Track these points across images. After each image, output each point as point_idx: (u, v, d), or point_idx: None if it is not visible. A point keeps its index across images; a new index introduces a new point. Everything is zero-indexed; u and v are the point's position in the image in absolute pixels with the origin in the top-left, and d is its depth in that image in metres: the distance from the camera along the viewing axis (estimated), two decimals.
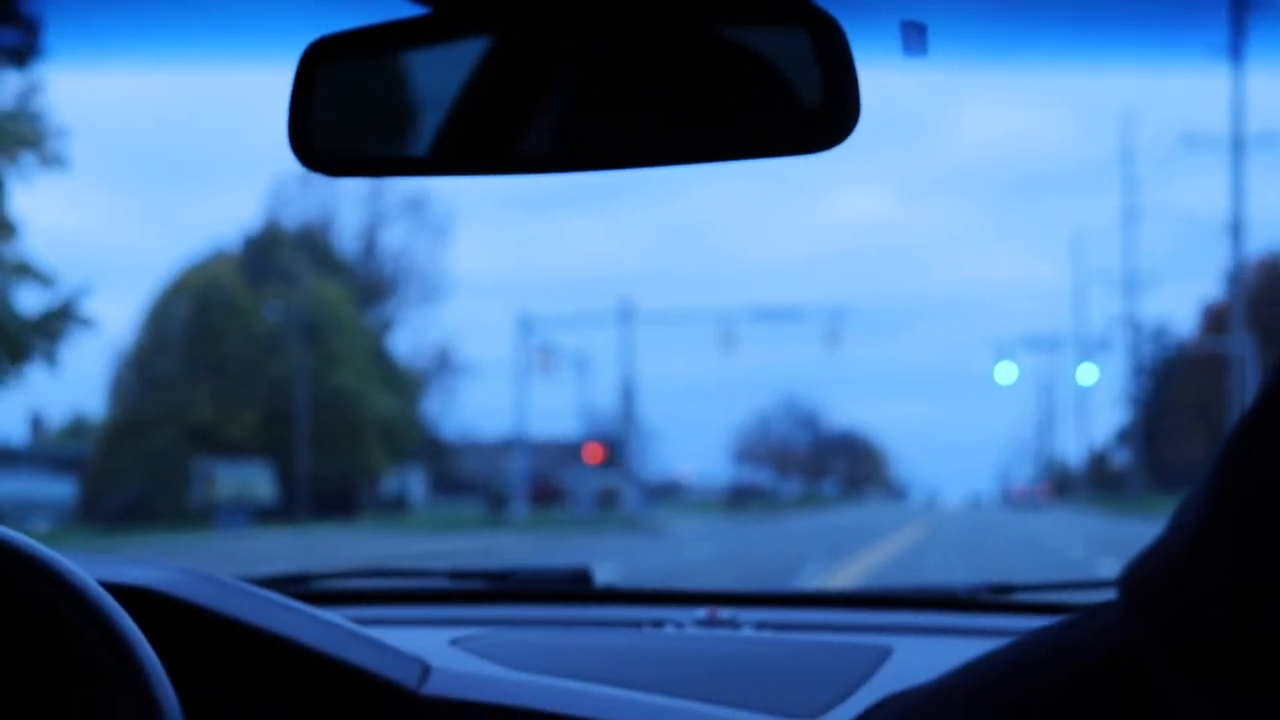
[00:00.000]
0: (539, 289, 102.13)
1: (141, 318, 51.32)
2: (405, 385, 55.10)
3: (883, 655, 1.85)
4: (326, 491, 49.44)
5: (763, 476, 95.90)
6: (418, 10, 1.23)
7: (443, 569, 2.42)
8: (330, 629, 1.60)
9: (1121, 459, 67.59)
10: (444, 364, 60.79)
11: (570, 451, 75.73)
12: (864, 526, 42.54)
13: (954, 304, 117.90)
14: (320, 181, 53.52)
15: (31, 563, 1.29)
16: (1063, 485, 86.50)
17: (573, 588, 2.34)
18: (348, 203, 58.63)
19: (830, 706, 1.68)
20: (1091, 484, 73.31)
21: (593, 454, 57.79)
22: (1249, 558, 0.68)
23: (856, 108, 1.14)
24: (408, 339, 65.68)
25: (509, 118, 1.23)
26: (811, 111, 1.16)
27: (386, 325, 58.57)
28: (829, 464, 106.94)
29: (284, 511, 47.09)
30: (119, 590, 1.36)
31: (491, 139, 1.24)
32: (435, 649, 1.74)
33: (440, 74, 1.25)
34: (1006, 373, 45.36)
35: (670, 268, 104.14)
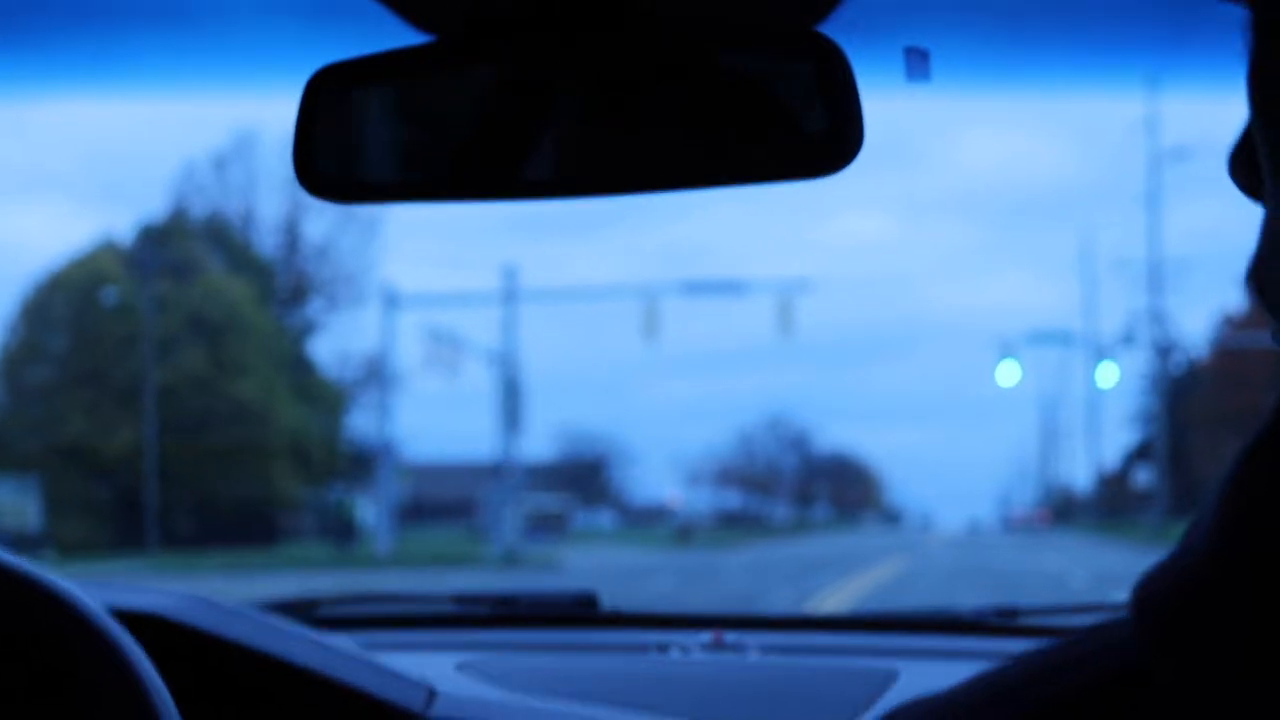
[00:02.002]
0: (541, 314, 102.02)
1: (9, 318, 44.46)
2: (327, 398, 48.59)
3: (888, 679, 1.85)
4: (221, 518, 42.19)
5: (746, 501, 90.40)
6: (422, 38, 1.24)
7: (448, 593, 2.42)
8: (336, 654, 1.60)
9: (1143, 479, 60.85)
10: (375, 375, 50.73)
11: (540, 475, 71.44)
12: (835, 558, 37.09)
13: (953, 328, 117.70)
14: (236, 165, 50.02)
15: (36, 589, 1.30)
16: (1066, 510, 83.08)
17: (578, 612, 2.34)
18: (267, 191, 51.05)
19: None
20: (1102, 508, 68.32)
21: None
22: (1262, 576, 0.68)
23: (860, 134, 1.14)
24: (334, 347, 59.00)
25: (514, 144, 1.23)
26: (815, 137, 1.17)
27: (307, 330, 51.62)
28: (819, 487, 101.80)
29: (54, 539, 38.01)
30: (125, 616, 1.36)
31: (496, 165, 1.24)
32: (441, 674, 1.74)
33: (445, 100, 1.25)
34: (1009, 373, 39.84)
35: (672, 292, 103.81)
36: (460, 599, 2.40)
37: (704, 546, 49.41)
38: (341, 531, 44.06)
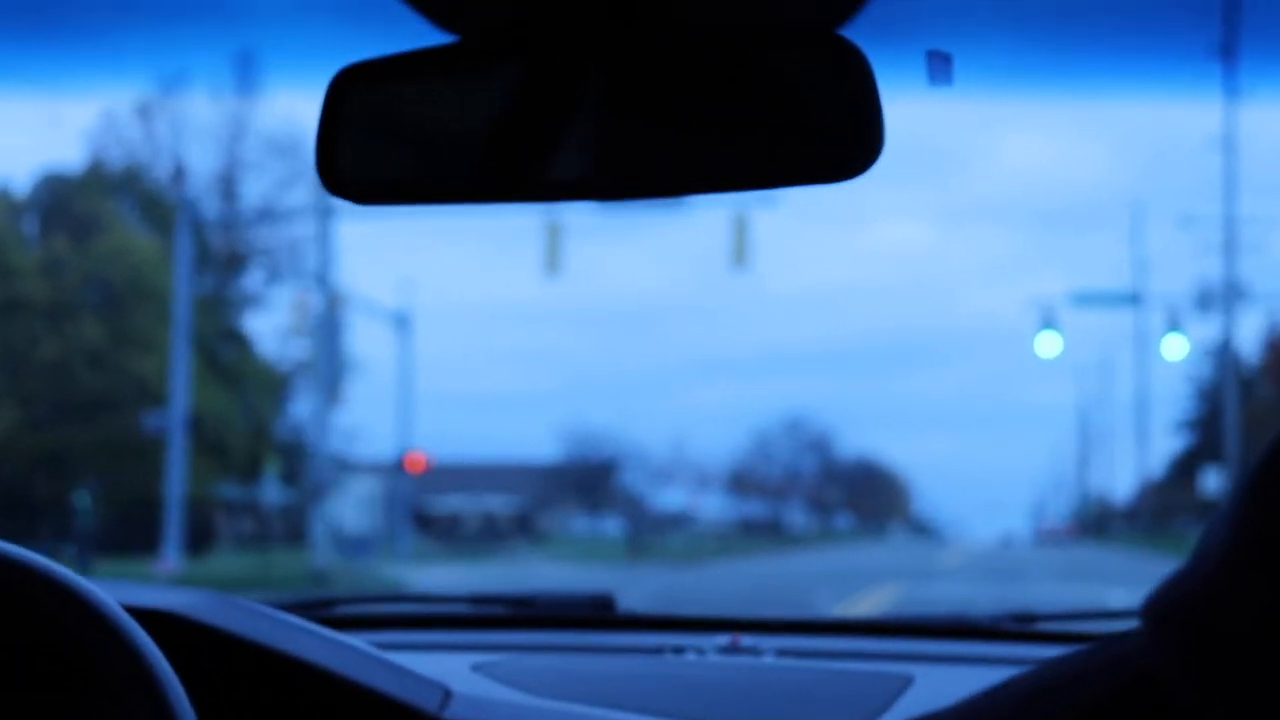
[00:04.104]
0: (570, 320, 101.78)
1: None
2: (263, 383, 41.17)
3: (904, 684, 1.85)
4: (131, 519, 33.89)
5: (760, 509, 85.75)
6: (446, 38, 1.24)
7: (464, 594, 2.43)
8: (352, 654, 1.60)
9: (1212, 484, 47.96)
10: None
11: (545, 477, 66.31)
12: (808, 582, 28.17)
13: (990, 335, 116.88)
14: (165, 115, 42.24)
15: (53, 585, 1.30)
16: (1102, 523, 77.65)
17: (595, 613, 2.34)
18: (201, 143, 43.08)
19: None
20: (1149, 518, 61.17)
21: (414, 464, 40.39)
22: (1274, 588, 0.68)
23: (881, 138, 1.14)
24: (279, 324, 44.36)
25: (538, 145, 1.23)
26: (836, 141, 1.17)
27: (243, 303, 43.52)
28: (841, 495, 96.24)
29: None
30: (141, 614, 1.36)
31: (520, 166, 1.24)
32: (457, 674, 1.74)
33: (470, 101, 1.26)
34: (1049, 344, 34.30)
35: (704, 299, 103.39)
36: (476, 599, 2.40)
37: (661, 562, 40.74)
38: (82, 540, 28.39)
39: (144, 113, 42.41)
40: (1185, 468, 58.09)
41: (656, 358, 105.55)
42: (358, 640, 1.66)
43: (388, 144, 1.28)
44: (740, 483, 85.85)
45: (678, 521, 71.10)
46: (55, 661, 1.37)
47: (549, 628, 2.30)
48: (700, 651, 2.07)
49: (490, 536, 49.65)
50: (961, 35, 1.26)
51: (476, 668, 1.86)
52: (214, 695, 1.49)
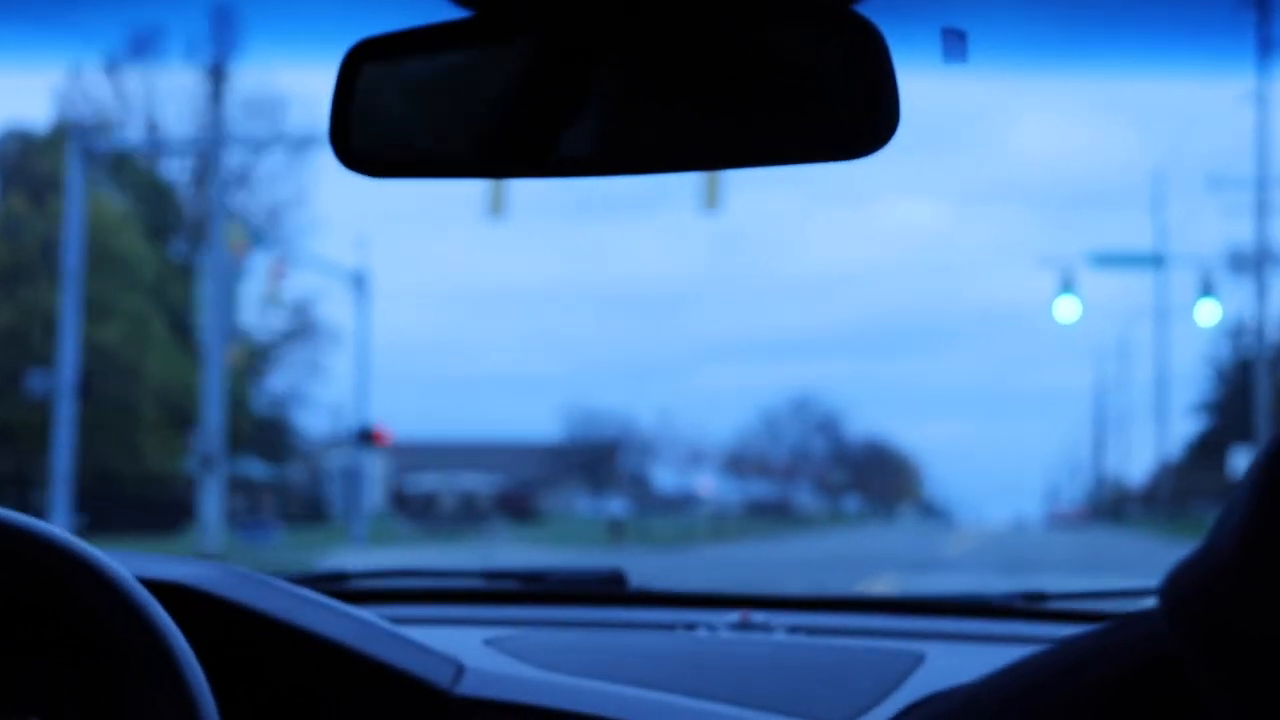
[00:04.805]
0: (583, 300, 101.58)
1: None
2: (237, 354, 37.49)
3: (915, 661, 1.85)
4: (106, 495, 32.37)
5: (768, 490, 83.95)
6: (461, 13, 1.24)
7: (477, 569, 2.43)
8: (366, 627, 1.61)
9: (1244, 466, 46.04)
10: (305, 329, 39.96)
11: (547, 457, 65.72)
12: (800, 568, 26.76)
13: (1006, 318, 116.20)
14: (139, 71, 39.89)
15: (69, 556, 1.31)
16: (1117, 507, 75.60)
17: (606, 589, 2.35)
18: (174, 104, 41.31)
19: (863, 712, 1.69)
20: (1168, 501, 59.02)
21: (381, 439, 37.92)
22: None
23: (896, 115, 1.14)
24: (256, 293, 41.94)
25: (550, 121, 1.24)
26: (850, 118, 1.17)
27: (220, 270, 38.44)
28: (849, 476, 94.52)
29: None
30: (157, 586, 1.37)
31: (533, 142, 1.24)
32: (469, 649, 1.75)
33: (483, 76, 1.26)
34: (1068, 309, 32.55)
35: (716, 279, 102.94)
36: (489, 575, 2.41)
37: (645, 546, 36.97)
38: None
39: (113, 71, 40.30)
40: (1204, 450, 56.81)
41: (666, 340, 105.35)
42: (372, 614, 1.66)
43: (401, 118, 1.28)
44: (746, 463, 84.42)
45: (684, 503, 69.51)
46: (71, 633, 1.37)
47: (561, 603, 2.31)
48: (712, 628, 2.07)
49: (468, 517, 47.11)
50: (977, 11, 1.26)
51: (489, 642, 1.87)
52: (228, 668, 1.50)
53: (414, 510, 48.72)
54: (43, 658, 1.40)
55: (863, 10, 1.15)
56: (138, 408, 34.28)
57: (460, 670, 1.63)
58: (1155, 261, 38.73)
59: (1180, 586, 0.73)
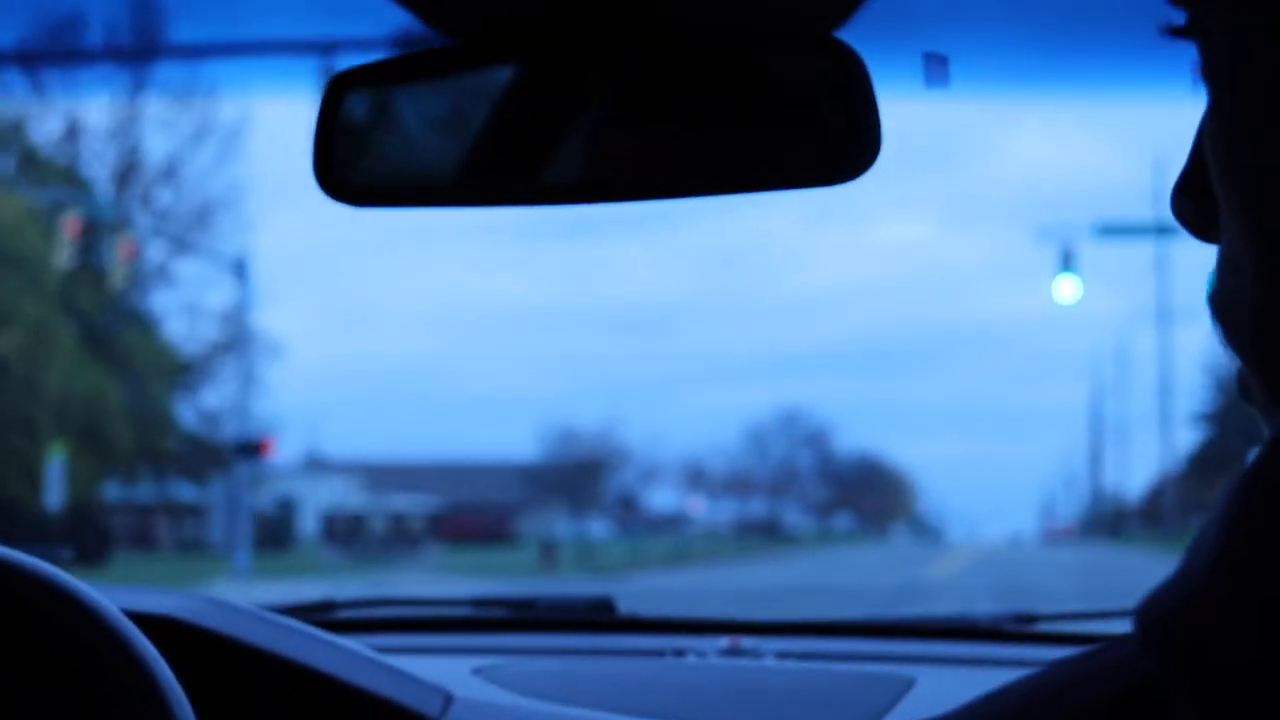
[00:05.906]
0: (580, 320, 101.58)
1: None
2: (162, 367, 36.06)
3: (906, 685, 1.85)
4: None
5: (752, 508, 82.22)
6: (444, 42, 1.24)
7: (465, 597, 2.43)
8: (352, 657, 1.60)
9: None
10: (238, 342, 35.74)
11: (526, 477, 63.23)
12: (760, 599, 23.12)
13: (1000, 337, 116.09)
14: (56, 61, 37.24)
15: (53, 589, 1.30)
16: (1115, 523, 74.58)
17: (595, 616, 2.34)
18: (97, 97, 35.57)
19: None
20: (1174, 516, 56.39)
21: (268, 449, 33.81)
22: (1268, 592, 0.67)
23: (878, 140, 1.14)
24: (184, 301, 39.23)
25: (535, 149, 1.23)
26: (833, 144, 1.17)
27: (142, 275, 36.87)
28: (842, 494, 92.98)
29: None
30: (142, 618, 1.36)
31: (518, 170, 1.24)
32: (458, 678, 1.74)
33: (466, 104, 1.26)
34: (1068, 288, 30.54)
35: (708, 299, 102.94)
36: (477, 602, 2.40)
37: (579, 576, 32.97)
38: None
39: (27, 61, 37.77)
40: (1203, 462, 55.86)
41: (657, 359, 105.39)
42: (358, 644, 1.66)
43: (385, 147, 1.28)
44: (732, 481, 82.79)
45: (671, 523, 67.41)
46: (57, 667, 1.37)
47: (549, 630, 2.30)
48: (701, 654, 2.07)
49: (399, 542, 43.79)
50: (959, 36, 1.26)
51: (477, 671, 1.86)
52: (213, 700, 1.49)
53: (340, 536, 45.30)
54: (28, 692, 1.39)
55: (844, 36, 1.15)
56: (35, 422, 31.14)
57: (449, 700, 1.62)
58: (1158, 231, 36.12)
59: (1155, 610, 0.73)
